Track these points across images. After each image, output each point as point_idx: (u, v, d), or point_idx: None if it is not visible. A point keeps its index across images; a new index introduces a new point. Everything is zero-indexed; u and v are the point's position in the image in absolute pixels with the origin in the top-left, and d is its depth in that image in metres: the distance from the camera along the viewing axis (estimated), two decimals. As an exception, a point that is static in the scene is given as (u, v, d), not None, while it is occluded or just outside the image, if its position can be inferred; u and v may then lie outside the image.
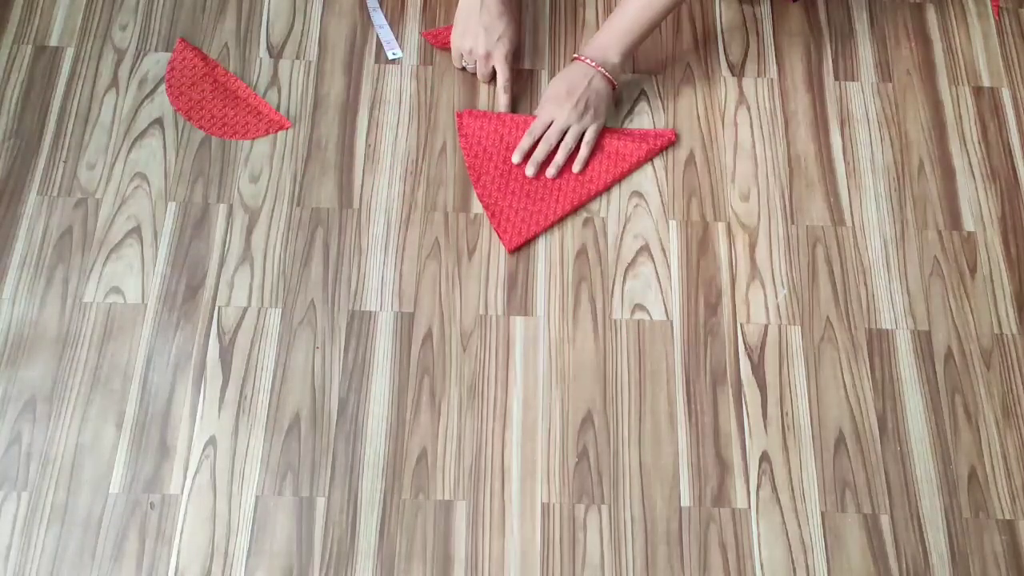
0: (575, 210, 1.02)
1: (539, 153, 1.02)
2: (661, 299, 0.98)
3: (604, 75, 1.02)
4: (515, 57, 1.08)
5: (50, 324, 0.94)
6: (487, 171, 1.02)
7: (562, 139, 1.03)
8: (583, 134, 1.03)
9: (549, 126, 1.03)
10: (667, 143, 1.05)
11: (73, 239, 0.98)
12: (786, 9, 1.16)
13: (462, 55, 1.07)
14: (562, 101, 1.02)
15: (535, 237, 1.00)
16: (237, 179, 1.02)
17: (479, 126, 1.04)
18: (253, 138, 1.05)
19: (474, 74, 1.09)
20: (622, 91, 1.09)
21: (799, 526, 0.89)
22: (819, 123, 1.09)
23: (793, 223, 1.03)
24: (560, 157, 1.02)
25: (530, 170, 1.02)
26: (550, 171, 1.02)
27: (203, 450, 0.89)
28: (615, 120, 1.08)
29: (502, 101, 1.06)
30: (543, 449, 0.91)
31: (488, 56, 1.05)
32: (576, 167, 1.03)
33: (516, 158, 1.02)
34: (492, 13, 1.04)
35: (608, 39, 1.02)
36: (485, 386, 0.93)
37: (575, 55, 1.04)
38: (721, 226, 1.03)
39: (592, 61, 1.02)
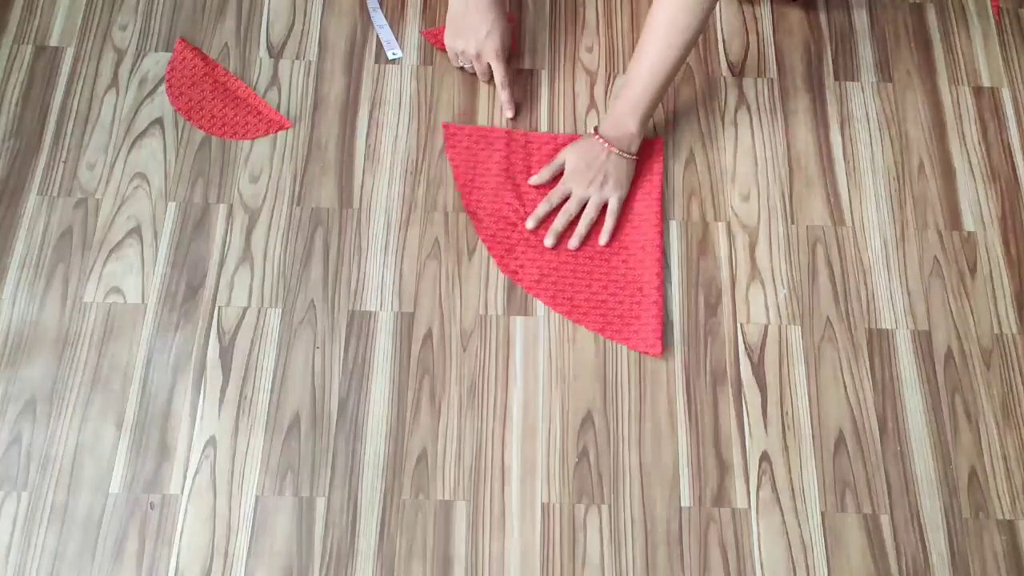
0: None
1: (559, 223, 0.99)
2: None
3: (620, 154, 0.99)
4: (509, 52, 1.07)
5: (50, 324, 0.94)
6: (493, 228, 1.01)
7: (582, 210, 1.00)
8: (604, 204, 1.00)
9: (567, 197, 1.00)
10: (659, 152, 1.05)
11: (73, 239, 0.98)
12: (786, 9, 1.16)
13: (457, 56, 1.07)
14: (581, 174, 0.99)
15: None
16: (237, 179, 1.02)
17: (471, 182, 1.03)
18: (253, 138, 1.05)
19: (474, 74, 1.09)
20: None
21: (799, 526, 0.89)
22: (819, 123, 1.09)
23: (793, 223, 1.03)
24: (582, 227, 0.99)
25: (549, 240, 0.98)
26: (572, 242, 0.99)
27: (203, 450, 0.89)
28: (615, 120, 1.08)
29: (503, 97, 1.06)
30: (543, 449, 0.91)
31: (480, 55, 1.05)
32: (602, 239, 0.99)
33: (531, 223, 0.99)
34: (480, 10, 1.03)
35: (623, 112, 0.98)
36: (485, 386, 0.93)
37: (595, 130, 1.01)
38: (721, 226, 1.03)
39: (607, 142, 0.99)
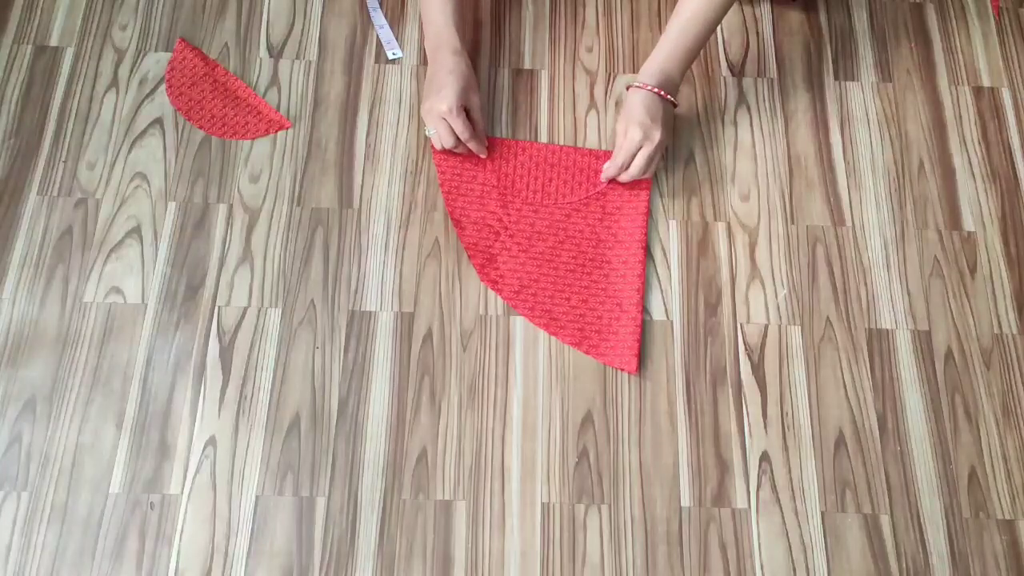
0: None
1: (635, 170, 1.00)
2: (661, 299, 0.98)
3: (671, 101, 1.00)
4: (471, 106, 1.00)
5: (50, 324, 0.94)
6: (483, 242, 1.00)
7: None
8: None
9: (638, 146, 0.99)
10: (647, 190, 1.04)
11: (73, 239, 0.98)
12: (786, 9, 1.16)
13: (429, 125, 1.01)
14: (649, 126, 0.98)
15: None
16: (237, 179, 1.02)
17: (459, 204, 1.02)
18: (253, 138, 1.05)
19: (467, 152, 1.03)
20: (622, 91, 1.10)
21: (799, 526, 0.89)
22: (819, 123, 1.09)
23: (793, 223, 1.03)
24: (650, 172, 1.01)
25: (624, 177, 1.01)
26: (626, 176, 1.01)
27: (203, 450, 0.89)
28: (614, 120, 1.08)
29: (473, 148, 1.01)
30: (543, 449, 0.91)
31: (442, 114, 0.98)
32: (609, 169, 1.01)
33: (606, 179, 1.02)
34: (441, 71, 0.99)
35: (666, 60, 0.99)
36: (485, 386, 0.93)
37: (638, 85, 1.00)
38: (721, 226, 1.03)
39: (660, 90, 0.99)
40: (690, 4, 0.99)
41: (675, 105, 1.01)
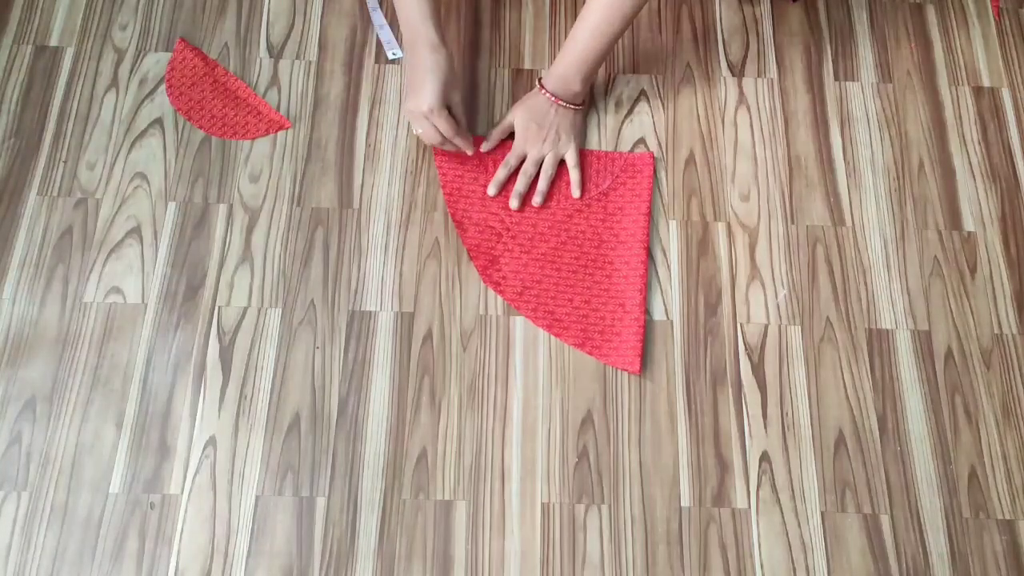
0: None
1: (520, 185, 1.01)
2: (661, 299, 0.98)
3: (566, 107, 1.02)
4: (452, 103, 0.98)
5: (50, 324, 0.94)
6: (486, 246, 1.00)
7: (539, 169, 1.03)
8: (561, 160, 1.03)
9: (524, 159, 1.02)
10: (648, 167, 1.04)
11: (73, 239, 0.98)
12: (786, 9, 1.16)
13: (414, 123, 0.99)
14: (533, 134, 1.02)
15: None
16: (237, 179, 1.02)
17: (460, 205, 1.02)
18: (253, 138, 1.05)
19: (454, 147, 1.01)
20: (622, 91, 1.09)
21: (799, 526, 0.89)
22: (819, 123, 1.09)
23: (793, 223, 1.03)
24: (543, 184, 1.01)
25: (513, 202, 1.01)
26: (536, 199, 1.01)
27: (203, 450, 0.89)
28: (615, 121, 1.08)
29: (459, 145, 1.00)
30: (543, 449, 0.91)
31: (425, 113, 0.96)
32: (574, 192, 1.02)
33: (492, 190, 1.01)
34: (417, 66, 0.96)
35: (566, 69, 1.00)
36: (485, 386, 0.93)
37: (540, 83, 1.02)
38: (721, 226, 1.03)
39: (554, 96, 1.01)
40: (595, 11, 0.96)
41: (576, 108, 1.02)
